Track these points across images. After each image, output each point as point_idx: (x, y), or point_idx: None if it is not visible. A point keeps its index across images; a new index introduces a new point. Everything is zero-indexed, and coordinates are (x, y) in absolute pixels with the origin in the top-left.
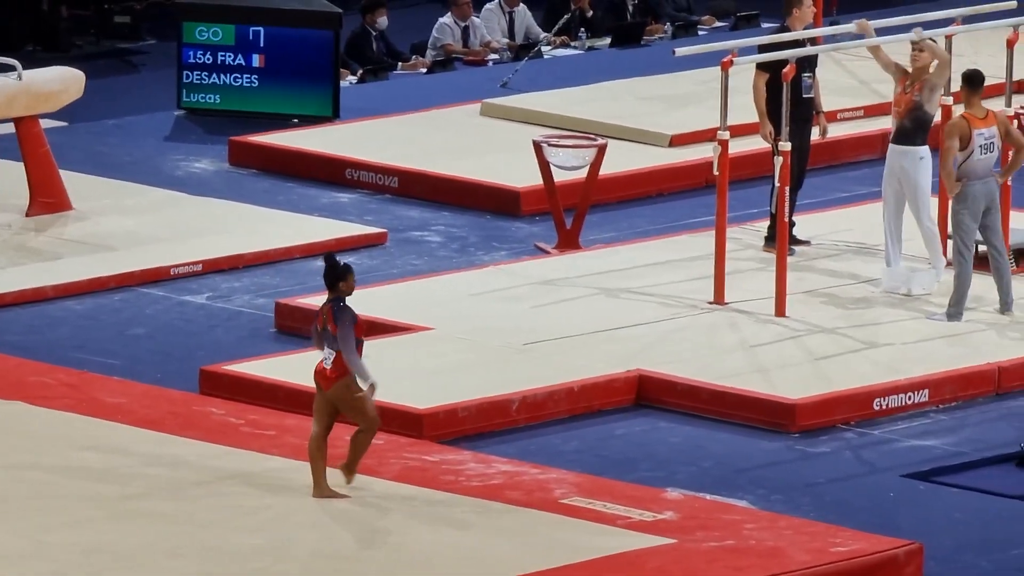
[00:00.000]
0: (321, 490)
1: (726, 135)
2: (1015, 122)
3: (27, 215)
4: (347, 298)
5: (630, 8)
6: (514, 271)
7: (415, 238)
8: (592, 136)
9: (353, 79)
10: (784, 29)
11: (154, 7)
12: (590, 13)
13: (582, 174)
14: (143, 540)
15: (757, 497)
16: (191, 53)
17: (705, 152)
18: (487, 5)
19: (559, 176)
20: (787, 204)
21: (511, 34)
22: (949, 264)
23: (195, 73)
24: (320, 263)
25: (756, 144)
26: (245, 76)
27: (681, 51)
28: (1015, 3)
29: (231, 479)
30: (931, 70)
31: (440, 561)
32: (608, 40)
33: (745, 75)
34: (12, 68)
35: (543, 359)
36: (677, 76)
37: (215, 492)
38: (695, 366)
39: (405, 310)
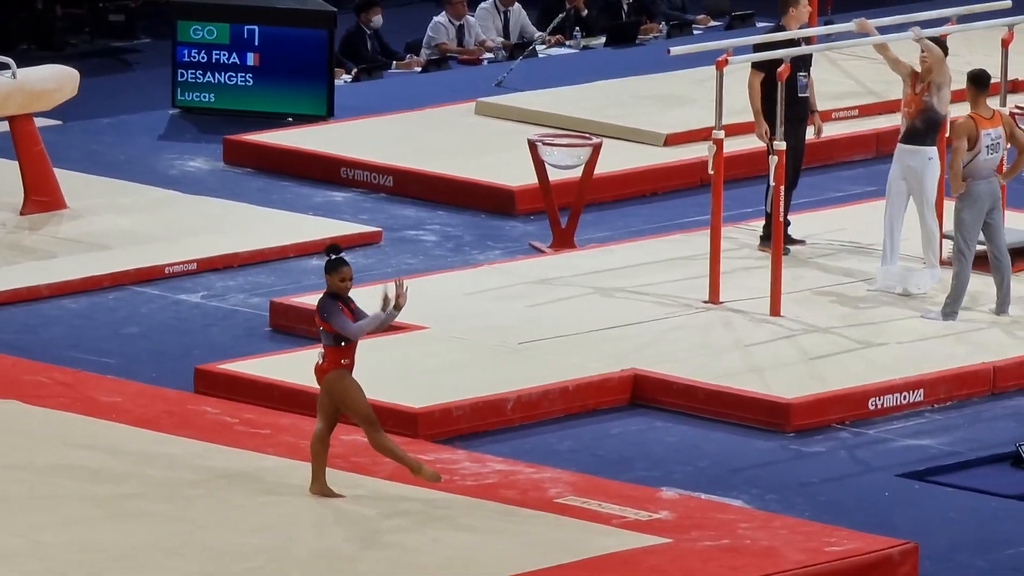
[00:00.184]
0: (319, 487)
1: (721, 134)
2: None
3: (21, 213)
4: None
5: (625, 7)
6: (509, 270)
7: (410, 237)
8: (587, 135)
9: (348, 78)
10: (780, 28)
11: (148, 6)
12: (585, 12)
13: (577, 173)
14: (139, 539)
15: (752, 496)
16: (185, 52)
17: (700, 151)
18: (482, 4)
19: (554, 175)
20: (782, 203)
21: (506, 33)
22: (944, 264)
23: (190, 72)
24: (315, 261)
25: (751, 143)
26: (240, 75)
27: (676, 50)
28: (1009, 3)
29: (226, 478)
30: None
31: (434, 561)
32: (603, 39)
33: (740, 74)
34: (6, 66)
35: (538, 358)
36: (672, 75)
37: (210, 491)
38: (690, 365)
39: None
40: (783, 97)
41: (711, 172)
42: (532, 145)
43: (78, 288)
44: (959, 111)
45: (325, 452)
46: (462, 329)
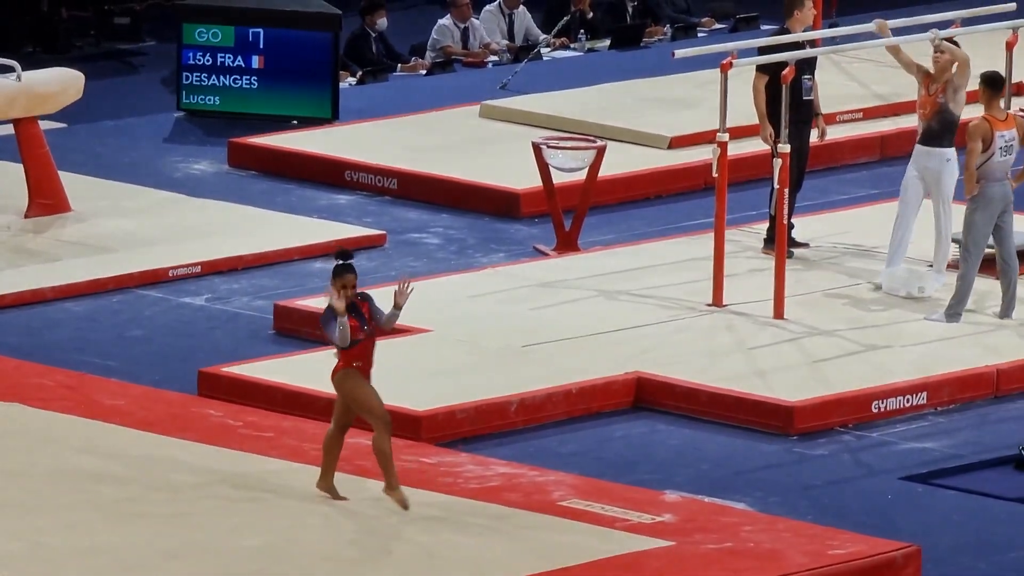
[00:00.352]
0: (325, 482)
1: (725, 137)
2: None
3: (26, 216)
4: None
5: (630, 10)
6: (513, 273)
7: (414, 240)
8: (591, 138)
9: (352, 80)
10: (784, 31)
11: (154, 8)
12: (590, 15)
13: (581, 176)
14: (141, 542)
15: (755, 499)
16: (191, 54)
17: (704, 154)
18: (487, 7)
19: (558, 178)
20: (786, 206)
21: (511, 36)
22: (952, 267)
23: (195, 74)
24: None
25: (755, 146)
26: (244, 78)
27: (681, 53)
28: (1014, 5)
29: (229, 481)
30: (952, 71)
31: (438, 563)
32: (608, 42)
33: (744, 77)
34: (11, 69)
35: (541, 361)
36: (676, 78)
37: (213, 494)
38: (693, 368)
39: (403, 312)
40: (787, 100)
41: (715, 175)
42: (536, 148)
43: (82, 291)
44: (969, 113)
45: (335, 450)
46: (466, 332)
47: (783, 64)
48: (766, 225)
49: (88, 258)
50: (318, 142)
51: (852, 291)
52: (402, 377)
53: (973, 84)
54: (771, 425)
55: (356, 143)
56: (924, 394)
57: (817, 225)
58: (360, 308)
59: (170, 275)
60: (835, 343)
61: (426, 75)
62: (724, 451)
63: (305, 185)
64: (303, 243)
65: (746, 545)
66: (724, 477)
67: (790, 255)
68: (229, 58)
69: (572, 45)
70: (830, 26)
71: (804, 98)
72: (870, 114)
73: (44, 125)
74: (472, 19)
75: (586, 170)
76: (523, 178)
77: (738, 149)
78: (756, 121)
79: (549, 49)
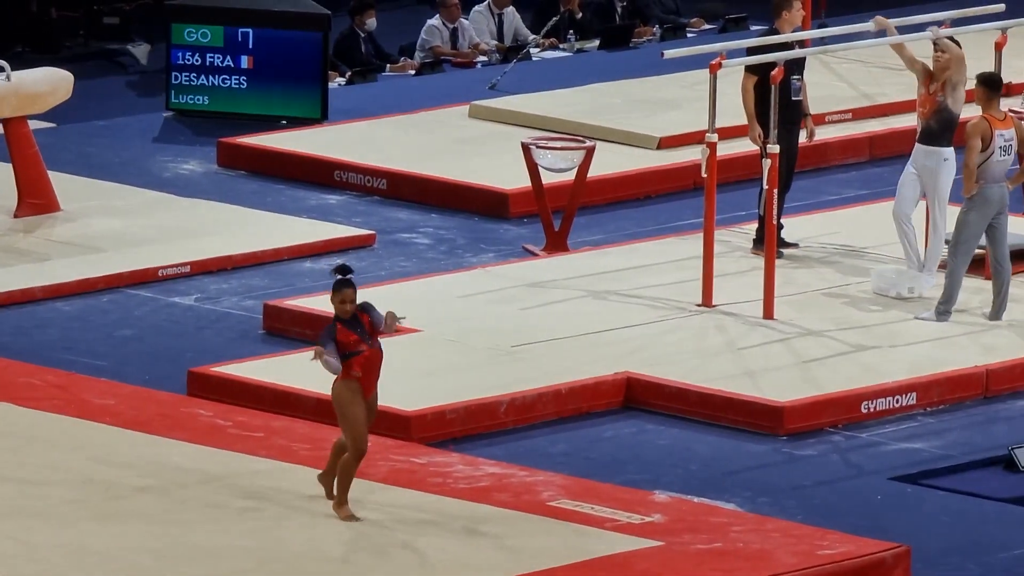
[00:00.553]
0: (326, 479)
1: (714, 138)
2: None
3: (15, 216)
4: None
5: (619, 10)
6: (502, 273)
7: (403, 240)
8: (580, 138)
9: (341, 81)
10: (773, 32)
11: (143, 8)
12: (579, 15)
13: (570, 176)
14: (130, 542)
15: (744, 500)
16: (180, 54)
17: (693, 154)
18: (476, 7)
19: (547, 178)
20: (775, 207)
21: (500, 36)
22: (942, 267)
23: (183, 74)
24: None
25: (744, 147)
26: (233, 77)
27: (669, 53)
28: (1003, 6)
29: (218, 481)
30: (950, 68)
31: (427, 564)
32: (597, 42)
33: (734, 78)
34: (1, 69)
35: (531, 361)
36: (665, 78)
37: (202, 494)
38: (683, 368)
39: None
40: (776, 100)
41: (704, 175)
42: (526, 148)
43: (71, 290)
44: (967, 113)
45: (342, 453)
46: (455, 332)
47: (772, 65)
48: (755, 225)
49: (78, 258)
50: (307, 142)
51: (842, 291)
52: (392, 377)
53: (972, 84)
54: (761, 425)
55: (345, 143)
56: (914, 394)
57: (806, 226)
58: (360, 320)
59: (160, 275)
60: (825, 343)
61: (415, 75)
62: (713, 451)
63: (294, 185)
64: (292, 243)
65: (735, 545)
66: (713, 477)
67: (779, 255)
68: (218, 58)
69: (561, 45)
70: (819, 27)
71: (792, 99)
72: (859, 115)
73: (33, 125)
74: (461, 19)
75: (575, 170)
76: (512, 178)
77: (727, 150)
78: (745, 121)
79: (538, 49)
